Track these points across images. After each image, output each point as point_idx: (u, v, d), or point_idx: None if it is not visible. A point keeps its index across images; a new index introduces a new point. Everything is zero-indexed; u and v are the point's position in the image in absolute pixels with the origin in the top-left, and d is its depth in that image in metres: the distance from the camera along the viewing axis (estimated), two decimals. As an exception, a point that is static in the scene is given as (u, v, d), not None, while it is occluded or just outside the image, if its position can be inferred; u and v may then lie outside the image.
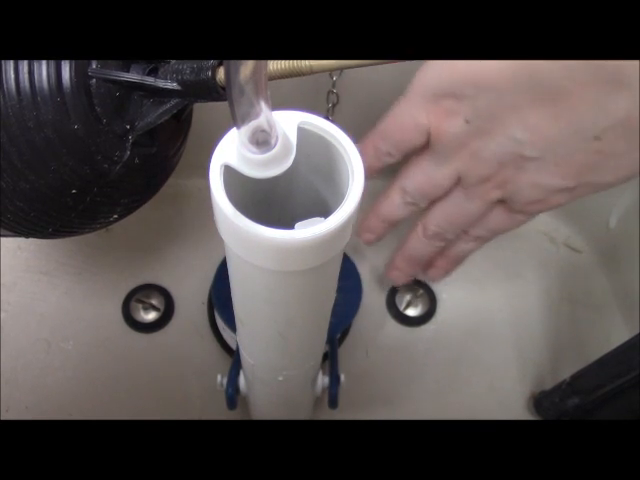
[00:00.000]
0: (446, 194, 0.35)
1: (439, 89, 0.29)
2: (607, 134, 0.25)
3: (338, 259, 0.23)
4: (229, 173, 0.20)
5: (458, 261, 0.44)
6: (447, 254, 0.43)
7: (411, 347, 0.55)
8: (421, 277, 0.55)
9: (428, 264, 0.45)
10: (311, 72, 0.25)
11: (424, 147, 0.33)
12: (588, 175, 0.28)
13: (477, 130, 0.29)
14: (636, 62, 0.22)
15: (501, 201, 0.34)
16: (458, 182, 0.34)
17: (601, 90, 0.24)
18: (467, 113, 0.28)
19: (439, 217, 0.37)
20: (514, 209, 0.34)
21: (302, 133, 0.20)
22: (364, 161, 0.19)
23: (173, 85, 0.27)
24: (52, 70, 0.25)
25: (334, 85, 0.46)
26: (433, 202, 0.37)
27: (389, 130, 0.33)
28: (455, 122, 0.29)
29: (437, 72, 0.29)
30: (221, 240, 0.21)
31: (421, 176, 0.34)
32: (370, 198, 0.40)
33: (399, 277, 0.46)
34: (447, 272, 0.46)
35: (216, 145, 0.20)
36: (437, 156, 0.32)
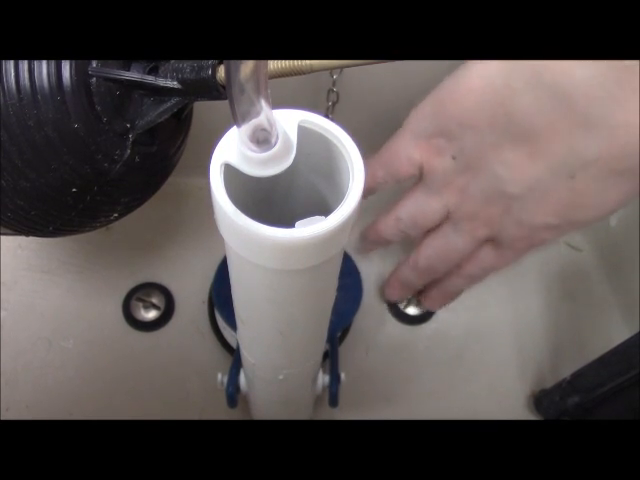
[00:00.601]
0: (437, 228, 0.37)
1: (430, 128, 0.31)
2: (580, 173, 0.26)
3: (338, 258, 0.23)
4: (229, 172, 0.20)
5: (451, 296, 0.45)
6: (441, 287, 0.44)
7: (411, 346, 0.55)
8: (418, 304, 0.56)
9: (422, 292, 0.47)
10: (311, 71, 0.25)
11: (418, 179, 0.35)
12: (570, 213, 0.29)
13: (464, 167, 0.31)
14: (605, 102, 0.22)
15: (490, 239, 0.35)
16: (448, 217, 0.35)
17: (572, 131, 0.24)
18: (454, 151, 0.30)
19: (429, 250, 0.38)
20: (502, 247, 0.35)
21: (302, 132, 0.20)
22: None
23: (173, 84, 0.27)
24: (52, 69, 0.25)
25: (334, 84, 0.46)
26: (426, 234, 0.38)
27: (385, 160, 0.35)
28: (443, 159, 0.31)
29: (428, 112, 0.30)
30: (221, 239, 0.21)
31: (414, 206, 0.36)
32: (371, 197, 0.40)
33: (393, 295, 0.49)
34: (441, 305, 0.47)
35: (216, 144, 0.20)
36: (428, 189, 0.34)
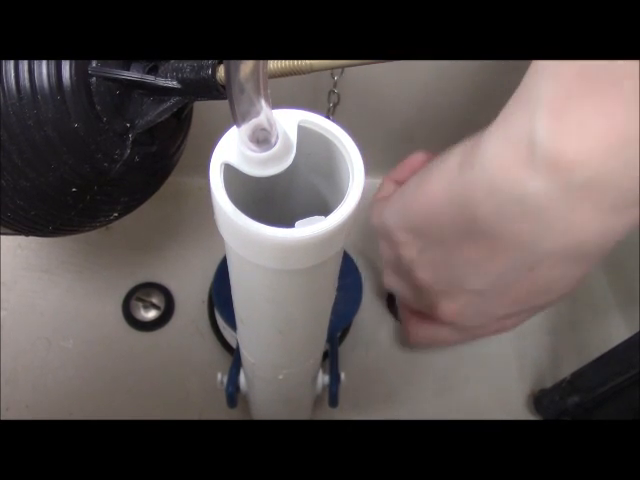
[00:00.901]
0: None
1: (398, 223, 0.32)
2: (540, 265, 0.27)
3: (338, 257, 0.23)
4: (229, 172, 0.20)
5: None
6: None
7: (411, 346, 0.55)
8: None
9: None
10: (311, 70, 0.25)
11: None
12: (530, 301, 0.30)
13: (427, 261, 0.32)
14: (559, 209, 0.23)
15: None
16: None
17: (530, 231, 0.25)
18: (419, 245, 0.31)
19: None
20: (460, 329, 0.35)
21: (302, 132, 0.20)
22: None
23: (173, 83, 0.27)
24: (52, 69, 0.25)
25: (335, 85, 0.46)
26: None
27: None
28: (409, 251, 0.32)
29: (396, 210, 0.32)
30: (221, 239, 0.21)
31: (388, 275, 0.38)
32: (371, 196, 0.40)
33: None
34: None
35: (216, 144, 0.20)
36: (397, 270, 0.35)
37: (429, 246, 0.31)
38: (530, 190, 0.23)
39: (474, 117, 0.45)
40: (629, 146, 0.20)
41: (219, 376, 0.42)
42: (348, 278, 0.49)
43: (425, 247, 0.31)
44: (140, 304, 0.54)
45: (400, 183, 0.35)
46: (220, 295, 0.48)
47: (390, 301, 0.57)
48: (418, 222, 0.31)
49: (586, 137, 0.21)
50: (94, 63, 0.26)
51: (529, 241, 0.25)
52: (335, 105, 0.47)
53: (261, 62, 0.17)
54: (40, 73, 0.25)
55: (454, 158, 0.27)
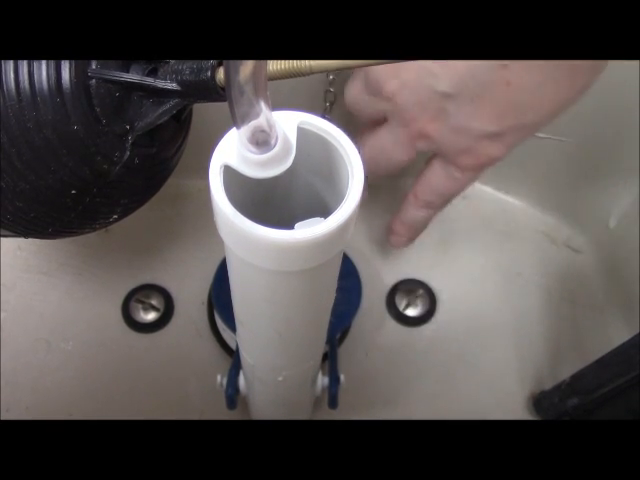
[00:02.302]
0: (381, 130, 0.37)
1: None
2: (513, 63, 0.26)
3: (338, 259, 0.23)
4: (229, 173, 0.20)
5: (414, 229, 0.45)
6: (401, 219, 0.44)
7: (411, 347, 0.55)
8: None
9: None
10: (311, 72, 0.25)
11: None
12: (509, 116, 0.29)
13: (397, 68, 0.31)
14: None
15: (433, 155, 0.35)
16: (385, 120, 0.35)
17: None
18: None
19: (366, 149, 0.38)
20: (449, 164, 0.34)
21: (302, 133, 0.20)
22: None
23: (173, 85, 0.27)
24: (52, 70, 0.25)
25: (331, 84, 0.46)
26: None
27: None
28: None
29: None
30: (221, 240, 0.21)
31: (358, 102, 0.37)
32: (371, 197, 0.40)
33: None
34: (405, 241, 0.47)
35: (216, 145, 0.20)
36: (369, 87, 0.35)
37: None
38: None
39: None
40: None
41: (219, 378, 0.42)
42: (348, 280, 0.49)
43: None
44: (139, 306, 0.54)
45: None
46: (220, 297, 0.48)
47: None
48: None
49: None
50: (94, 65, 0.26)
51: None
52: (332, 104, 0.47)
53: (260, 63, 0.17)
54: (39, 75, 0.25)
55: None
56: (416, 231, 0.46)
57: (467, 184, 0.36)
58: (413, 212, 0.42)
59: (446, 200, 0.40)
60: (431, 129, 0.32)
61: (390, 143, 0.36)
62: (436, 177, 0.36)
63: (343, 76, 0.46)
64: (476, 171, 0.35)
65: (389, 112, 0.34)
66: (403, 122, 0.33)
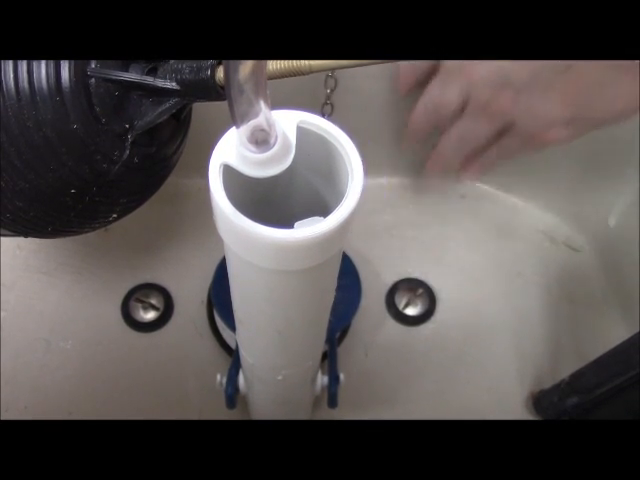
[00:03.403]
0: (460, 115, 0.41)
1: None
2: (575, 65, 0.29)
3: (337, 258, 0.23)
4: (228, 172, 0.20)
5: (486, 166, 0.47)
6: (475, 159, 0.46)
7: (410, 346, 0.55)
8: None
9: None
10: (310, 71, 0.25)
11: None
12: (580, 105, 0.31)
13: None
14: None
15: (509, 129, 0.39)
16: (465, 108, 0.39)
17: None
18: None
19: (455, 135, 0.43)
20: (521, 137, 0.38)
21: (301, 132, 0.20)
22: None
23: (172, 85, 0.27)
24: (51, 70, 0.25)
25: (330, 84, 0.47)
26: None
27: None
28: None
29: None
30: (220, 239, 0.21)
31: (434, 93, 0.41)
32: (370, 197, 0.40)
33: (434, 167, 0.49)
34: (477, 174, 0.49)
35: (215, 144, 0.20)
36: (442, 78, 0.39)
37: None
38: None
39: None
40: None
41: (218, 377, 0.42)
42: (347, 278, 0.49)
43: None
44: (139, 305, 0.54)
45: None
46: (219, 296, 0.48)
47: None
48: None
49: None
50: (93, 64, 0.26)
51: None
52: (331, 103, 0.48)
53: (260, 63, 0.17)
54: (39, 74, 0.25)
55: None
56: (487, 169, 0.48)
57: (537, 150, 0.40)
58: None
59: (516, 155, 0.43)
60: (508, 111, 0.36)
61: (474, 124, 0.40)
62: (509, 142, 0.40)
63: (343, 76, 0.46)
64: (545, 147, 0.39)
65: (468, 99, 0.38)
66: (479, 102, 0.38)
